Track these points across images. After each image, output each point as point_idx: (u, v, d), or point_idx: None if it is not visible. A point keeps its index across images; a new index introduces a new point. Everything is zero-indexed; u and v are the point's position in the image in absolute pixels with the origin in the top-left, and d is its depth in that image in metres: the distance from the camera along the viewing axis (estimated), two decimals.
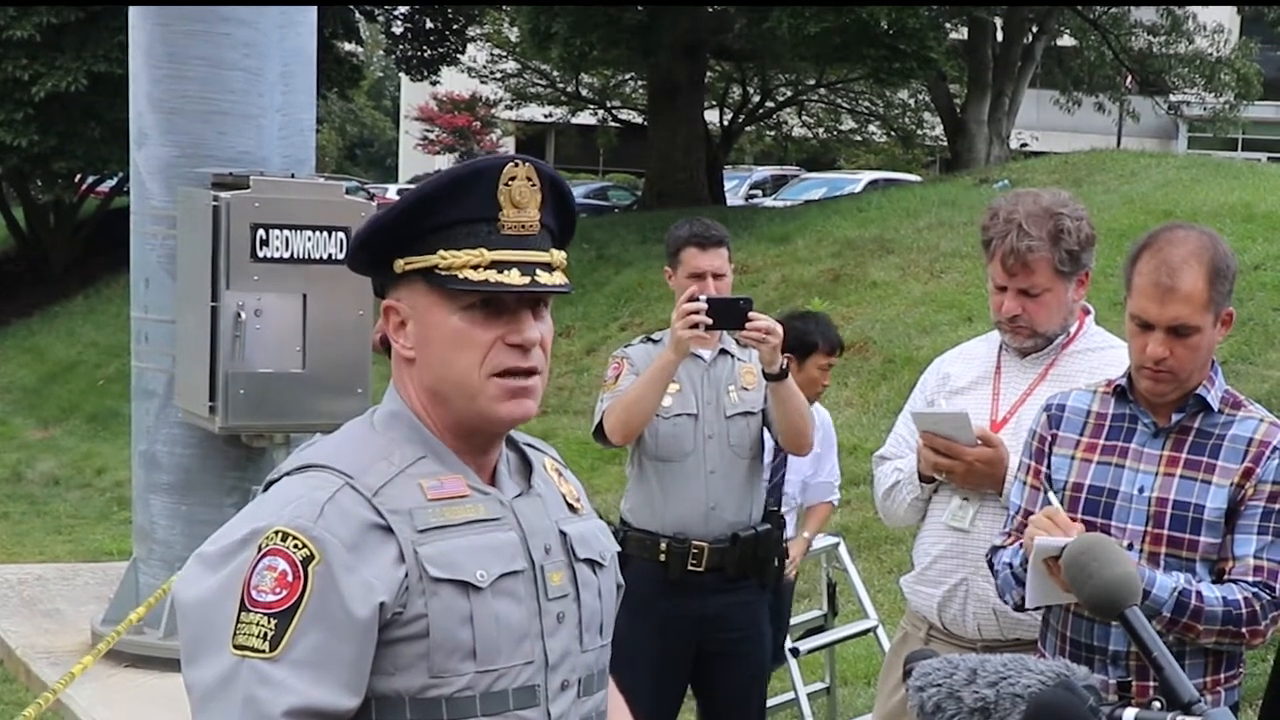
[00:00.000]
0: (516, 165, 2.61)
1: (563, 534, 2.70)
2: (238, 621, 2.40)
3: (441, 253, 2.54)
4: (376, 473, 2.53)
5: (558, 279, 2.61)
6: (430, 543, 2.50)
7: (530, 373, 2.61)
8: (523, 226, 2.59)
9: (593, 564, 2.74)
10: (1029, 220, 4.51)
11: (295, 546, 2.42)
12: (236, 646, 2.39)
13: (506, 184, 2.58)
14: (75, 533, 13.73)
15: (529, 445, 2.82)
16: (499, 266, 2.55)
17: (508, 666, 2.55)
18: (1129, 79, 38.62)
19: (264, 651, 2.38)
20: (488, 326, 2.57)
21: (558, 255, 2.65)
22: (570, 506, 2.78)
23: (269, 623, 2.39)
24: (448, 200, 2.57)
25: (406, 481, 2.54)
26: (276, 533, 2.43)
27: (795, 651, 7.16)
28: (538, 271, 2.58)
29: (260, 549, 2.43)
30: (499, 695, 2.55)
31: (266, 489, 2.59)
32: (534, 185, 2.61)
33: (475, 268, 2.54)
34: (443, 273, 2.54)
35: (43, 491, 16.35)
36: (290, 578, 2.40)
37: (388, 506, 2.49)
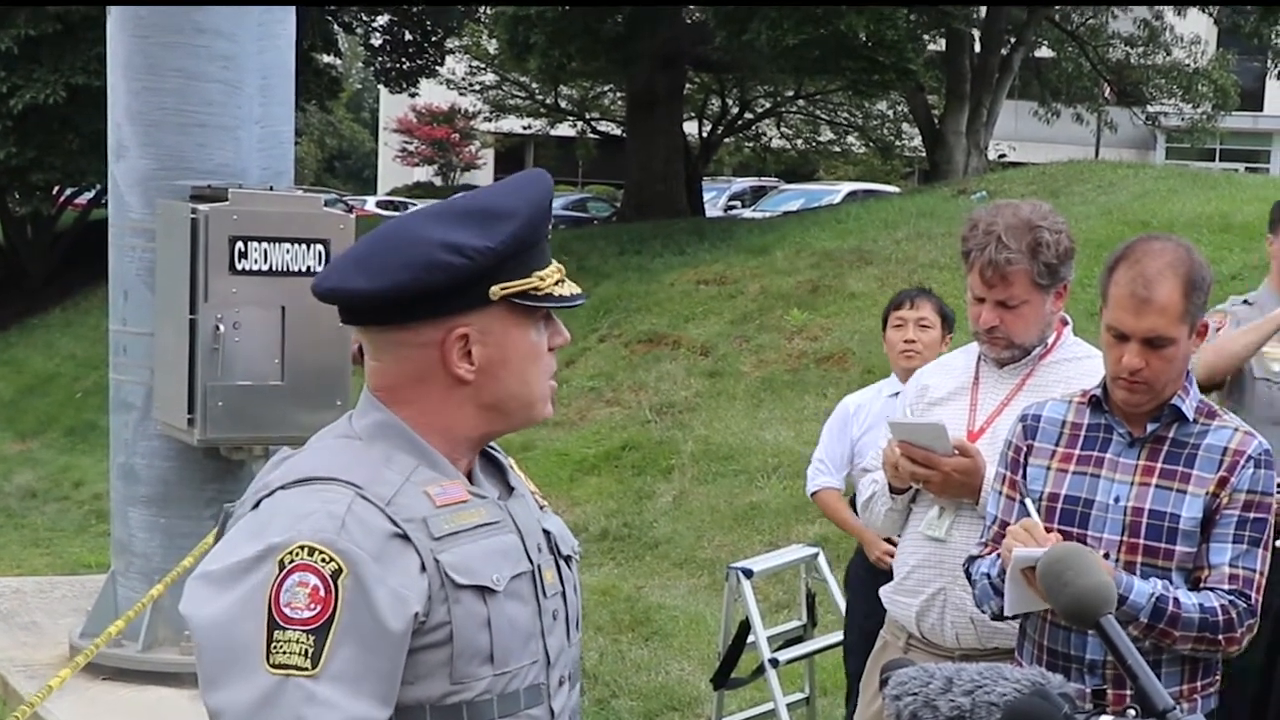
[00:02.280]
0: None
1: (546, 532, 2.74)
2: (271, 639, 2.37)
3: (538, 274, 2.61)
4: (384, 483, 2.51)
5: None
6: (448, 549, 2.50)
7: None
8: (548, 241, 2.68)
9: (570, 560, 2.79)
10: (1008, 232, 4.52)
11: (323, 561, 2.40)
12: (277, 665, 2.36)
13: None
14: (53, 545, 13.72)
15: (490, 446, 2.81)
16: (560, 281, 2.66)
17: (519, 667, 2.58)
18: (1107, 90, 38.71)
19: (307, 669, 2.36)
20: (547, 338, 2.68)
21: None
22: (539, 504, 2.82)
23: (308, 639, 2.37)
24: (542, 220, 2.63)
25: (412, 490, 2.53)
26: (302, 547, 2.41)
27: (775, 662, 7.18)
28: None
29: (283, 565, 2.40)
30: (512, 696, 2.58)
31: (259, 505, 2.54)
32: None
33: (559, 283, 2.64)
34: (539, 293, 2.61)
35: (20, 504, 16.33)
36: (323, 592, 2.38)
37: (402, 516, 2.48)
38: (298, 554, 2.40)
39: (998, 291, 4.57)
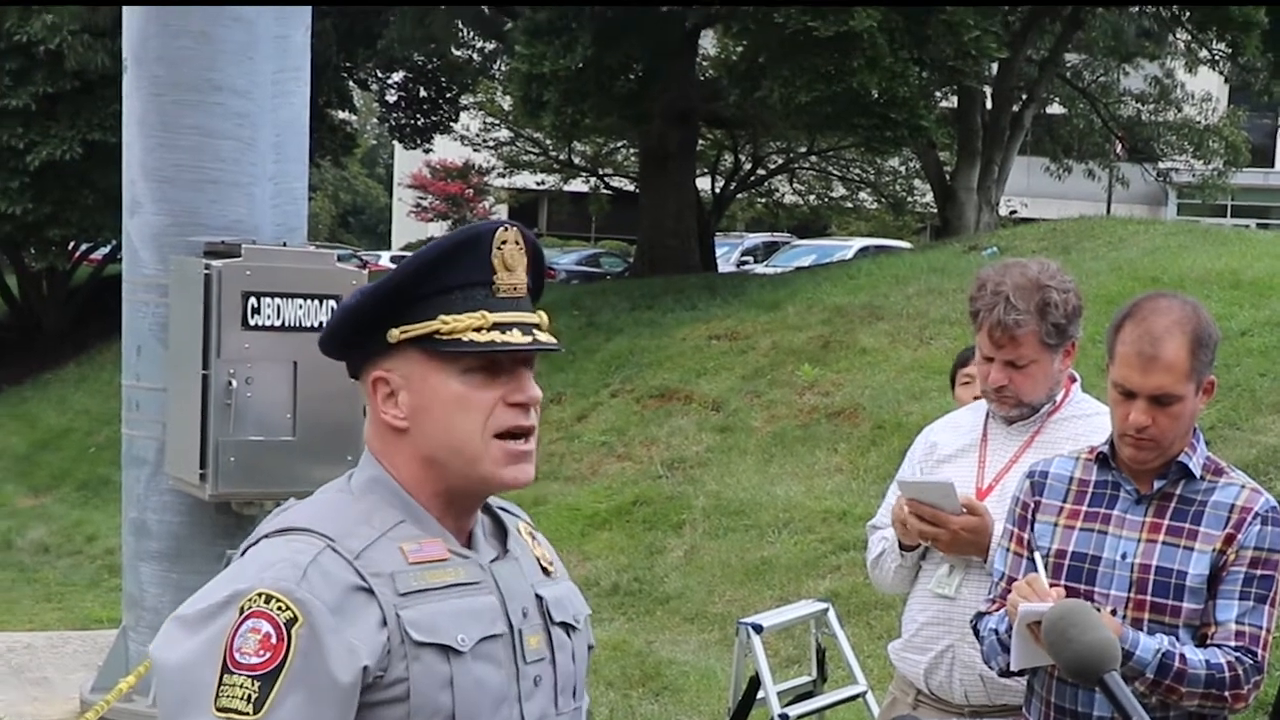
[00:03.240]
0: (506, 229, 2.64)
1: (539, 597, 2.71)
2: (220, 684, 2.40)
3: (443, 318, 2.56)
4: (358, 536, 2.53)
5: (549, 337, 2.66)
6: (412, 606, 2.50)
7: (530, 433, 2.64)
8: (514, 289, 2.63)
9: (567, 627, 2.75)
10: (1016, 293, 4.53)
11: (279, 609, 2.42)
12: (220, 709, 2.39)
13: (499, 248, 2.62)
14: (65, 600, 13.72)
15: (502, 509, 2.82)
16: (500, 328, 2.58)
17: None
18: (1118, 146, 38.83)
19: (247, 714, 2.38)
20: (488, 388, 2.59)
21: (543, 316, 2.70)
22: (544, 570, 2.79)
23: (253, 685, 2.39)
24: (445, 266, 2.59)
25: (387, 545, 2.54)
26: (260, 595, 2.43)
27: (785, 718, 7.15)
28: (534, 331, 2.62)
29: (243, 611, 2.43)
30: None
31: (244, 553, 2.59)
32: (521, 248, 2.66)
33: (478, 330, 2.56)
34: (444, 337, 2.57)
35: (33, 559, 16.35)
36: (274, 640, 2.40)
37: (369, 569, 2.49)
38: (255, 601, 2.43)
39: (1006, 351, 4.59)
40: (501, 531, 2.78)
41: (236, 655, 2.40)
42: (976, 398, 6.39)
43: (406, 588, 2.51)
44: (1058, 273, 4.66)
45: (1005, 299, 4.53)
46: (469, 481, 2.62)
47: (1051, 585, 3.88)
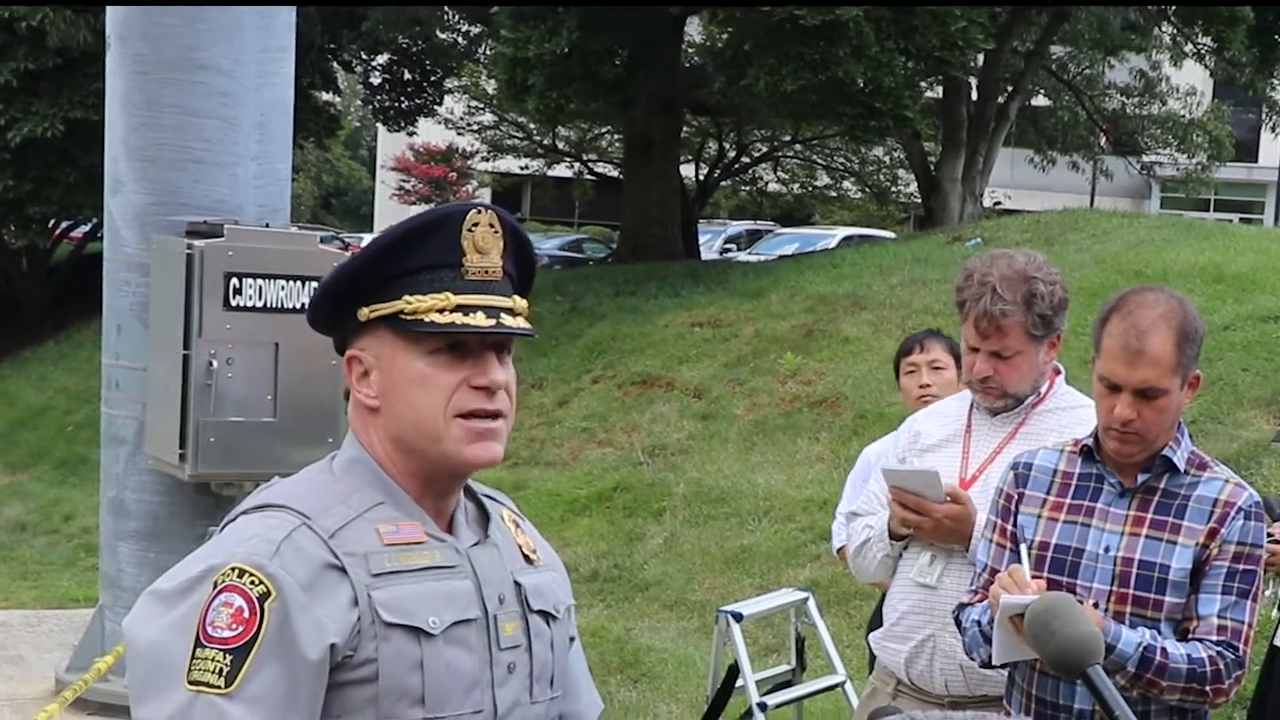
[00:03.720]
0: (479, 212, 2.63)
1: (517, 584, 2.70)
2: (193, 657, 2.40)
3: (407, 298, 2.56)
4: (334, 515, 2.53)
5: (521, 323, 2.64)
6: (384, 587, 2.50)
7: (495, 415, 2.61)
8: (486, 272, 2.61)
9: (546, 615, 2.75)
10: (1003, 284, 4.53)
11: (252, 583, 2.42)
12: (191, 682, 2.39)
13: (470, 230, 2.60)
14: (41, 579, 13.67)
15: (487, 496, 2.82)
16: (464, 310, 2.57)
17: (456, 715, 2.56)
18: (1102, 139, 38.86)
19: (220, 688, 2.38)
20: (453, 370, 2.58)
21: (520, 301, 2.67)
22: (526, 558, 2.78)
23: (225, 659, 2.39)
24: (413, 246, 2.59)
25: (364, 525, 2.54)
26: (233, 569, 2.44)
27: (763, 706, 7.14)
28: (502, 315, 2.60)
29: (216, 585, 2.43)
30: None
31: (223, 529, 2.59)
32: (496, 232, 2.64)
33: (441, 311, 2.56)
34: (408, 317, 2.56)
35: (9, 537, 16.29)
36: (247, 614, 2.41)
37: (344, 549, 2.50)
38: (229, 575, 2.44)
39: (992, 342, 4.58)
40: (485, 518, 2.77)
41: (209, 629, 2.41)
42: (923, 386, 6.40)
43: (380, 568, 2.51)
44: (1044, 264, 4.66)
45: (992, 289, 4.53)
46: (433, 461, 2.61)
47: (1034, 577, 3.87)
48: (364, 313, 2.60)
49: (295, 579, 2.44)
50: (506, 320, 2.60)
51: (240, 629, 2.40)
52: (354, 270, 2.60)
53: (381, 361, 2.61)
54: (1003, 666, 4.10)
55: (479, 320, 2.57)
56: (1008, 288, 4.53)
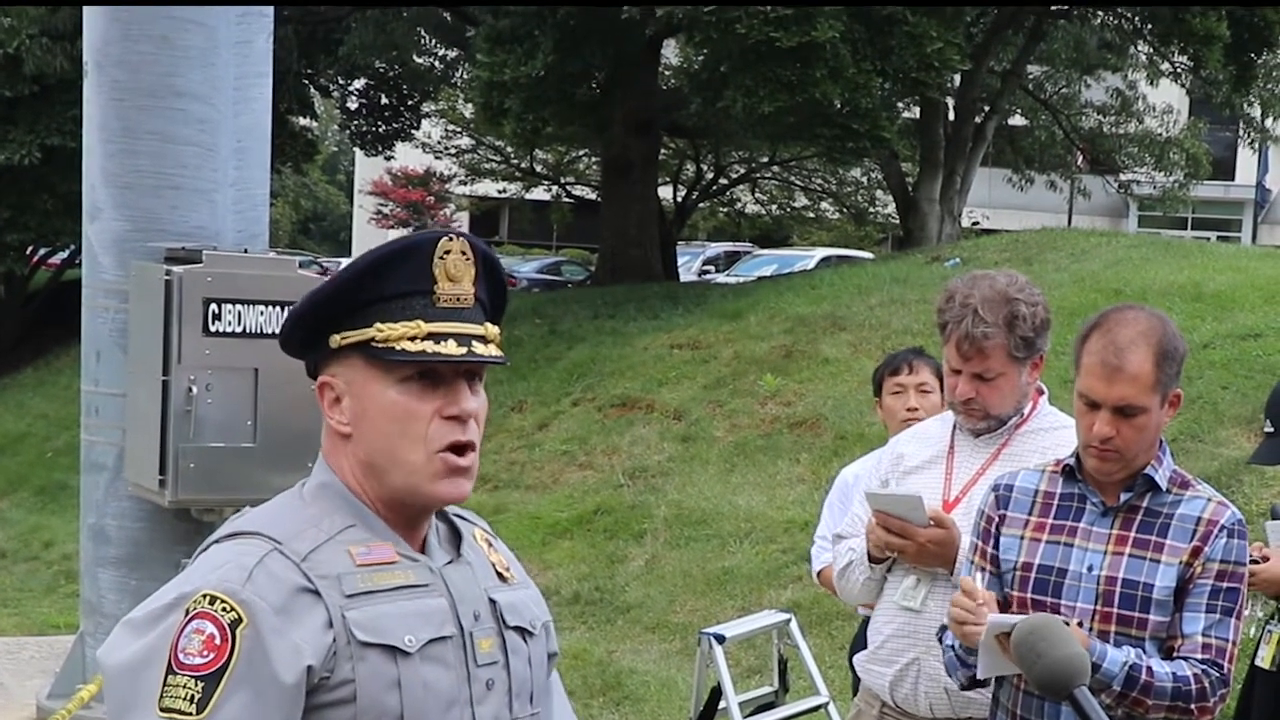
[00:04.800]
0: (451, 239, 2.63)
1: (492, 601, 2.71)
2: (164, 684, 2.41)
3: (378, 325, 2.57)
4: (305, 539, 2.54)
5: (493, 351, 2.64)
6: (358, 608, 2.50)
7: (469, 448, 2.62)
8: (458, 300, 2.62)
9: (523, 632, 2.75)
10: (984, 306, 4.53)
11: (223, 610, 2.43)
12: (163, 709, 2.40)
13: (441, 258, 2.61)
14: (21, 606, 13.63)
15: (458, 516, 2.82)
16: (436, 338, 2.57)
17: None
18: (1080, 158, 38.98)
19: (190, 714, 2.39)
20: (425, 399, 2.58)
21: (491, 329, 2.67)
22: (500, 575, 2.78)
23: (196, 685, 2.40)
24: (384, 274, 2.59)
25: (335, 548, 2.55)
26: (205, 596, 2.44)
27: None
28: (474, 343, 2.60)
29: (188, 612, 2.44)
30: None
31: (195, 558, 2.59)
32: (468, 259, 2.64)
33: (412, 339, 2.56)
34: (379, 345, 2.56)
35: None
36: (218, 641, 2.41)
37: (316, 572, 2.50)
38: (200, 602, 2.45)
39: (974, 364, 4.58)
40: (457, 537, 2.77)
41: (181, 656, 2.42)
42: (910, 410, 6.33)
43: (353, 589, 2.52)
44: (1026, 285, 4.66)
45: (974, 311, 4.52)
46: (406, 491, 2.62)
47: (1017, 597, 3.87)
48: (335, 339, 2.61)
49: (269, 604, 2.44)
50: (478, 348, 2.60)
51: (211, 656, 2.41)
52: (326, 297, 2.61)
53: (353, 388, 2.62)
54: (984, 685, 4.10)
55: (450, 349, 2.57)
56: (989, 310, 4.53)
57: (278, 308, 7.68)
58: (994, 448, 4.73)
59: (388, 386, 2.58)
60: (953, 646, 4.06)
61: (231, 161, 8.23)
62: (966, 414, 4.70)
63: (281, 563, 2.49)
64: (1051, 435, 4.68)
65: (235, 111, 8.22)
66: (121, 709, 2.45)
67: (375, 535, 2.61)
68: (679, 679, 10.03)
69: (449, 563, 2.69)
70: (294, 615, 2.46)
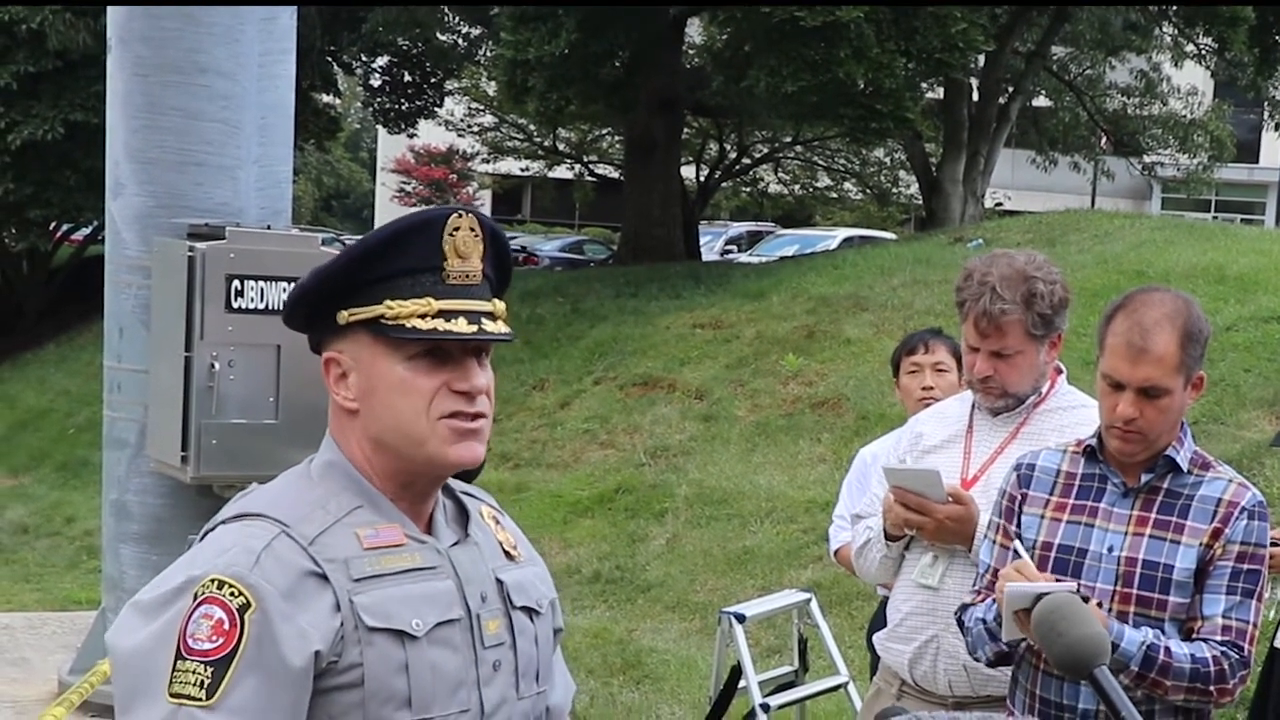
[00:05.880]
0: (460, 216, 2.62)
1: (499, 582, 2.71)
2: (174, 670, 2.40)
3: (388, 303, 2.55)
4: (313, 521, 2.53)
5: (502, 328, 2.63)
6: (366, 592, 2.50)
7: (476, 416, 2.61)
8: (467, 276, 2.61)
9: (530, 611, 2.75)
10: (1002, 283, 4.53)
11: (232, 594, 2.42)
12: (173, 695, 2.39)
13: (451, 234, 2.60)
14: (43, 581, 13.67)
15: (465, 493, 2.81)
16: (446, 315, 2.56)
17: (443, 715, 2.56)
18: (1103, 140, 38.87)
19: (200, 700, 2.38)
20: (433, 374, 2.57)
21: (499, 305, 2.66)
22: (508, 554, 2.78)
23: (206, 671, 2.39)
24: (393, 251, 2.58)
25: (343, 530, 2.54)
26: (213, 581, 2.44)
27: (765, 707, 7.15)
28: (483, 320, 2.59)
29: (196, 597, 2.43)
30: None
31: (202, 538, 2.59)
32: (477, 236, 2.63)
33: (423, 317, 2.55)
34: (389, 322, 2.55)
35: (11, 540, 16.29)
36: (227, 626, 2.41)
37: (324, 555, 2.50)
38: (209, 587, 2.44)
39: (992, 342, 4.58)
40: (464, 516, 2.77)
41: (189, 641, 2.41)
42: (926, 389, 6.31)
43: (360, 573, 2.51)
44: (1044, 264, 4.65)
45: (991, 289, 4.52)
46: (417, 463, 2.61)
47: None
48: (343, 315, 2.59)
49: (276, 588, 2.44)
50: (488, 325, 2.60)
51: (220, 641, 2.40)
52: (335, 273, 2.59)
53: (360, 364, 2.60)
54: (1006, 663, 4.10)
55: (460, 326, 2.56)
56: (1007, 287, 4.52)
57: None
58: (1012, 426, 4.72)
59: (396, 363, 2.57)
60: (983, 620, 4.05)
61: (255, 138, 8.23)
62: (984, 392, 4.69)
63: (289, 546, 2.49)
64: (1070, 414, 4.67)
65: (259, 88, 8.22)
66: (130, 694, 2.44)
67: (382, 517, 2.60)
68: (699, 658, 10.04)
69: (456, 543, 2.68)
70: (301, 600, 2.45)
